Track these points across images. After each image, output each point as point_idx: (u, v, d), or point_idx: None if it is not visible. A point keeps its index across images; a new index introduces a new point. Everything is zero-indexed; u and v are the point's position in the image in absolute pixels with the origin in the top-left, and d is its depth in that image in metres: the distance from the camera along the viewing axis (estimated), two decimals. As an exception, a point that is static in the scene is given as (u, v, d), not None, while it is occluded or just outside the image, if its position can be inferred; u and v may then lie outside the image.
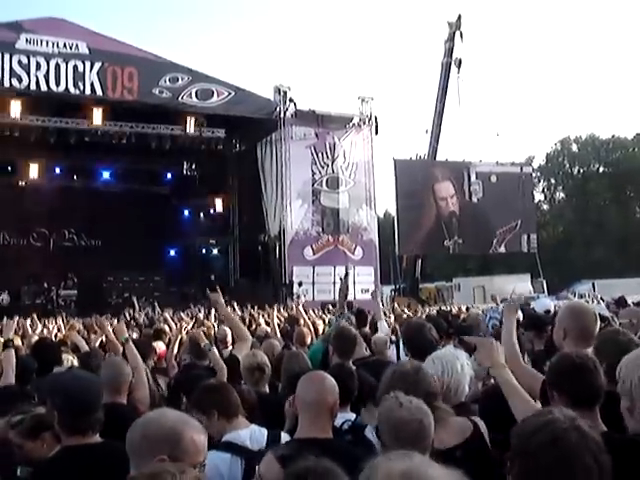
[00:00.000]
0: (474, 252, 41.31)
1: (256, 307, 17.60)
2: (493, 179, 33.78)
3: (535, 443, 2.27)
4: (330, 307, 17.54)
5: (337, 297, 18.59)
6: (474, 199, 33.63)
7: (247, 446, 3.91)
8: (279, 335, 9.08)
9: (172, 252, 34.73)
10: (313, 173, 28.53)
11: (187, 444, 2.60)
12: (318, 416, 3.56)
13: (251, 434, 4.03)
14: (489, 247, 35.31)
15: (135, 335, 10.31)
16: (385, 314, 12.10)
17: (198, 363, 6.73)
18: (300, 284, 26.70)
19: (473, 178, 33.53)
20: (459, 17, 33.54)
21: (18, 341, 9.39)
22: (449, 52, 33.31)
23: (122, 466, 3.16)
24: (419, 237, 32.94)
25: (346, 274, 10.88)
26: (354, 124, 29.56)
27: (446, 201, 32.96)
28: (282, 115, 27.91)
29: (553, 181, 69.07)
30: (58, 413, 3.56)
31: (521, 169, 36.58)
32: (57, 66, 24.88)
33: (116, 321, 12.26)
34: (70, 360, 6.87)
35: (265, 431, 4.07)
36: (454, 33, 33.10)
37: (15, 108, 24.80)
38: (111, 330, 7.06)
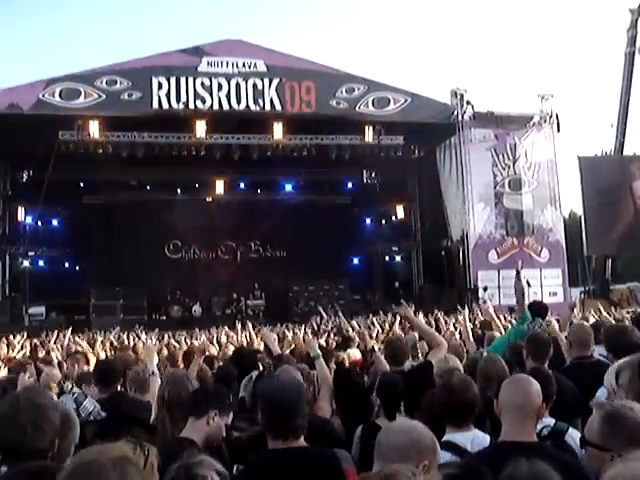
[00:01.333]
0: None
1: (441, 313, 17.32)
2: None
3: None
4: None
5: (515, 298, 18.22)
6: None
7: (466, 449, 3.94)
8: (471, 339, 8.93)
9: (355, 260, 35.07)
10: (494, 175, 27.99)
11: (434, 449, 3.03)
12: (524, 420, 3.53)
13: (473, 438, 4.07)
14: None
15: (322, 342, 10.48)
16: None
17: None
18: (485, 289, 26.18)
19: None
20: (641, 3, 31.89)
21: (213, 350, 9.77)
22: (632, 41, 31.63)
23: (326, 470, 3.25)
24: (612, 237, 31.28)
25: (517, 273, 10.67)
26: (534, 123, 28.72)
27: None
28: (460, 118, 27.56)
29: None
30: (263, 416, 3.74)
31: None
32: (237, 85, 25.79)
33: (303, 330, 12.43)
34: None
35: (487, 437, 4.09)
36: (636, 20, 31.46)
37: (200, 128, 25.85)
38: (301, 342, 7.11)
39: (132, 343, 13.02)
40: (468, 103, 27.89)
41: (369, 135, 27.35)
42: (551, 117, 28.83)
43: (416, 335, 8.06)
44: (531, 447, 3.38)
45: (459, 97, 27.87)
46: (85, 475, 2.09)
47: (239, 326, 14.95)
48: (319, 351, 6.32)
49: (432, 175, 29.61)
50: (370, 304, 30.19)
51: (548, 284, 26.84)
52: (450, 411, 4.16)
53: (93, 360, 9.27)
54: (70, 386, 6.22)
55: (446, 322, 13.17)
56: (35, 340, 15.52)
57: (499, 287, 26.63)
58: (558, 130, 29.00)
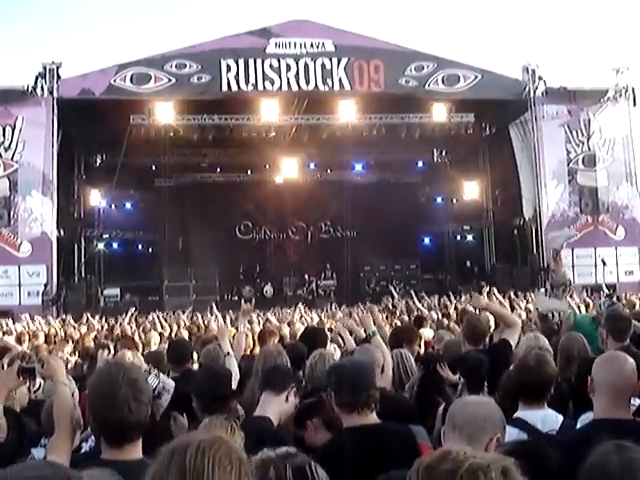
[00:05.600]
0: None
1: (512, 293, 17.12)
2: None
3: None
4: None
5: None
6: None
7: (537, 426, 3.96)
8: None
9: (426, 240, 34.86)
10: (568, 152, 27.36)
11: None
12: (618, 397, 3.50)
13: (545, 417, 4.08)
14: None
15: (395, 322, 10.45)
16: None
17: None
18: (559, 267, 25.75)
19: None
20: None
21: (285, 330, 9.82)
22: None
23: (402, 446, 3.25)
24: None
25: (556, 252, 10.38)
26: (609, 97, 27.94)
27: None
28: (532, 95, 27.01)
29: None
30: (335, 394, 3.83)
31: None
32: (306, 66, 25.74)
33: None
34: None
35: (561, 417, 4.10)
36: None
37: (269, 110, 25.92)
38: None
39: (206, 322, 13.18)
40: (540, 78, 27.31)
41: (439, 113, 27.04)
42: (627, 91, 28.01)
43: (490, 316, 7.96)
44: (628, 424, 3.39)
45: (531, 72, 27.31)
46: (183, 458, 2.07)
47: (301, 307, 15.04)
48: (375, 328, 6.40)
49: (503, 153, 29.17)
50: (442, 284, 30.01)
51: (624, 262, 26.25)
52: (523, 389, 4.16)
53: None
54: (149, 367, 6.28)
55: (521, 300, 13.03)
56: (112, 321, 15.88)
57: (573, 266, 26.13)
58: (634, 104, 28.18)
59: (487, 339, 6.82)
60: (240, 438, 3.02)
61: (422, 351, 7.47)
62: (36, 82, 24.62)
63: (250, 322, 10.49)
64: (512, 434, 3.65)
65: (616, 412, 3.44)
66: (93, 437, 3.61)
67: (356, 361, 4.44)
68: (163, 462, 2.09)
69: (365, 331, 6.70)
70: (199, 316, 16.29)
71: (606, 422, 3.40)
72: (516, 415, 3.99)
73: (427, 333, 8.34)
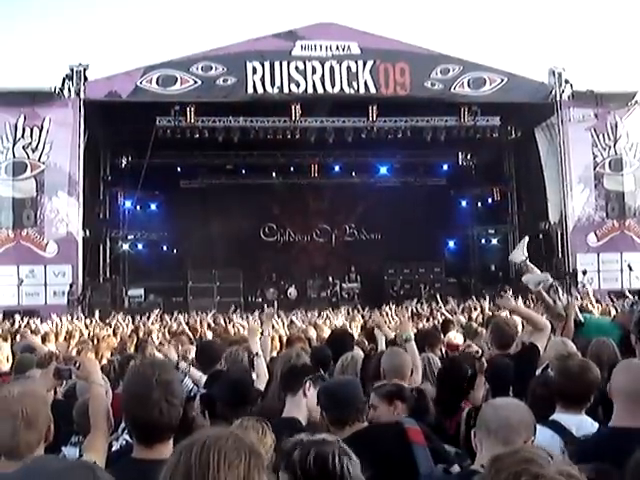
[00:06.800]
0: None
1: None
2: None
3: None
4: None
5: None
6: None
7: (571, 431, 3.96)
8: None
9: (451, 243, 34.77)
10: (594, 156, 27.14)
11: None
12: (633, 405, 3.47)
13: (580, 422, 4.08)
14: None
15: (420, 325, 10.45)
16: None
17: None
18: (584, 272, 25.51)
19: None
20: None
21: (312, 332, 9.84)
22: None
23: (391, 434, 3.39)
24: None
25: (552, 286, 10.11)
26: (637, 101, 27.70)
27: None
28: (558, 98, 26.87)
29: None
30: (326, 412, 4.10)
31: None
32: (331, 68, 25.75)
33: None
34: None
35: (597, 425, 4.07)
36: None
37: (295, 112, 25.97)
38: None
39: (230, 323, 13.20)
40: (567, 82, 27.15)
41: (465, 116, 26.98)
42: (656, 95, 27.82)
43: (518, 320, 7.92)
44: None
45: (557, 76, 27.15)
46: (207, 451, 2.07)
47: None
48: (411, 333, 6.43)
49: (529, 156, 29.03)
50: (466, 288, 29.90)
51: (650, 268, 26.06)
52: (564, 394, 4.13)
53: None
54: (186, 366, 6.34)
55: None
56: (138, 320, 15.97)
57: (598, 271, 25.99)
58: (663, 108, 27.98)
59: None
60: (271, 439, 3.04)
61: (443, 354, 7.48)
62: (63, 84, 24.81)
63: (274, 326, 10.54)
64: (546, 436, 3.67)
65: (632, 420, 3.41)
66: (124, 436, 3.65)
67: (343, 380, 4.75)
68: (172, 461, 2.12)
69: (397, 334, 6.74)
70: (222, 317, 16.32)
71: (621, 430, 3.40)
72: (552, 418, 3.98)
73: (454, 336, 8.32)
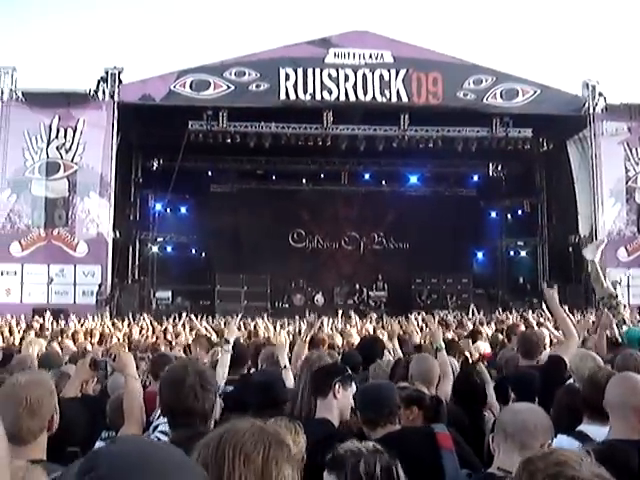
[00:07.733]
0: None
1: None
2: None
3: None
4: None
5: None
6: None
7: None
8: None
9: (479, 254, 34.63)
10: (627, 170, 26.94)
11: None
12: (625, 418, 3.50)
13: (606, 434, 3.96)
14: None
15: (449, 336, 10.44)
16: None
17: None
18: (619, 282, 25.33)
19: None
20: None
21: (338, 339, 9.85)
22: None
23: (422, 439, 3.52)
24: None
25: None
26: (672, 114, 27.53)
27: None
28: (592, 111, 26.73)
29: None
30: (360, 413, 4.21)
31: None
32: (364, 76, 25.81)
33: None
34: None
35: None
36: None
37: (326, 119, 26.06)
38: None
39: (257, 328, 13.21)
40: (600, 95, 26.98)
41: (496, 127, 26.91)
42: (689, 108, 27.55)
43: (546, 332, 7.91)
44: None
45: (591, 88, 26.99)
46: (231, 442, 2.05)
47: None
48: (443, 343, 6.45)
49: (561, 169, 28.84)
50: (494, 299, 29.76)
51: (681, 283, 25.79)
52: (591, 405, 4.12)
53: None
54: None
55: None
56: (166, 324, 16.04)
57: (628, 285, 25.74)
58: (696, 122, 27.69)
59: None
60: (304, 439, 3.07)
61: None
62: (98, 86, 25.12)
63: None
64: (573, 447, 3.66)
65: (628, 433, 3.44)
66: (156, 434, 3.69)
67: (377, 383, 4.88)
68: (193, 458, 2.12)
69: (431, 343, 6.78)
70: (250, 322, 16.33)
71: (619, 442, 3.39)
72: (579, 428, 3.98)
73: (482, 346, 8.34)
